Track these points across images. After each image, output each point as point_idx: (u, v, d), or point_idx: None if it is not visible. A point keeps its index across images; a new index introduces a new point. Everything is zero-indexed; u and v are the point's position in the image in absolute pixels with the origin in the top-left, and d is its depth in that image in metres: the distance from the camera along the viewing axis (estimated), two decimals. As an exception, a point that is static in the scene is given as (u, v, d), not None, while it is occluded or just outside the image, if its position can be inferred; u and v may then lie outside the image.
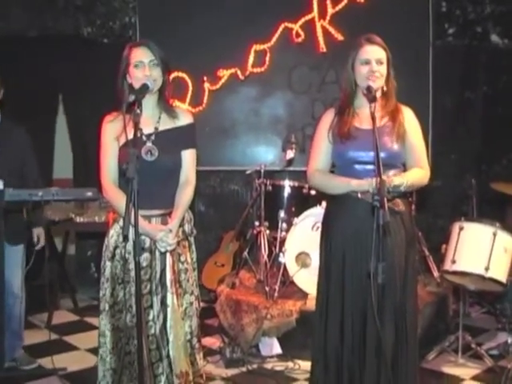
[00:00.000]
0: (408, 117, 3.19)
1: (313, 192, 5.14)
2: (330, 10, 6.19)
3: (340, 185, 3.11)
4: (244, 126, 6.40)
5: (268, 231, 5.13)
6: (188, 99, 6.28)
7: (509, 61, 6.08)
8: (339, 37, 6.19)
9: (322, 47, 6.22)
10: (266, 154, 6.31)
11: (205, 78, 6.29)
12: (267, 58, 6.26)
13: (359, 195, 3.06)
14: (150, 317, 2.94)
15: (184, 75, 6.21)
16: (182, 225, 3.05)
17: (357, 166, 3.11)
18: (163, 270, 2.97)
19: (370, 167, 3.03)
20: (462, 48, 5.85)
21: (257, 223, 5.21)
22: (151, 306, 2.95)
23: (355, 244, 3.10)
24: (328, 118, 3.23)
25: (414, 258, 3.21)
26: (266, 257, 5.01)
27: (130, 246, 2.90)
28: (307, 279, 4.68)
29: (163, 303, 2.96)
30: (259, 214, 5.16)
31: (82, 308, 5.85)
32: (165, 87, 3.06)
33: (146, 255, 2.95)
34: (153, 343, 2.94)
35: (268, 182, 5.17)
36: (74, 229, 6.03)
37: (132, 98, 2.76)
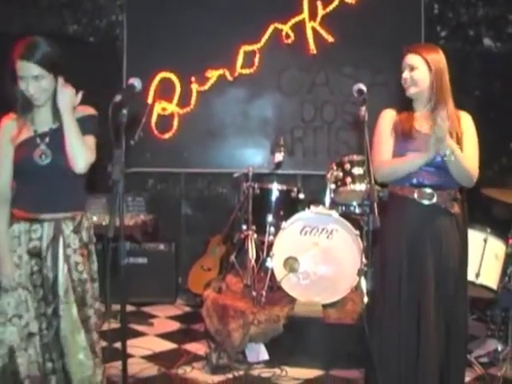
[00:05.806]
0: (465, 124, 3.18)
1: (301, 196, 5.12)
2: (321, 12, 6.17)
3: (417, 157, 3.06)
4: (232, 127, 6.34)
5: (256, 235, 5.09)
6: (175, 100, 6.22)
7: (502, 65, 6.10)
8: (330, 38, 6.17)
9: (312, 49, 6.20)
10: (254, 156, 6.24)
11: (193, 79, 6.22)
12: (256, 59, 6.22)
13: (415, 196, 3.08)
14: (43, 325, 2.80)
15: (171, 75, 6.15)
16: (78, 232, 2.88)
17: None
18: (55, 278, 2.80)
19: (429, 168, 3.06)
20: (454, 51, 5.81)
21: (244, 227, 5.16)
22: (44, 314, 2.81)
23: (411, 248, 3.09)
24: (389, 117, 3.25)
25: (467, 261, 3.23)
26: (253, 261, 4.96)
27: (20, 250, 2.81)
28: (295, 284, 4.65)
29: (55, 313, 2.79)
30: (247, 217, 5.11)
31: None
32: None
33: (36, 260, 2.81)
34: (45, 353, 2.80)
35: (256, 185, 5.12)
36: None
37: (118, 97, 2.64)
